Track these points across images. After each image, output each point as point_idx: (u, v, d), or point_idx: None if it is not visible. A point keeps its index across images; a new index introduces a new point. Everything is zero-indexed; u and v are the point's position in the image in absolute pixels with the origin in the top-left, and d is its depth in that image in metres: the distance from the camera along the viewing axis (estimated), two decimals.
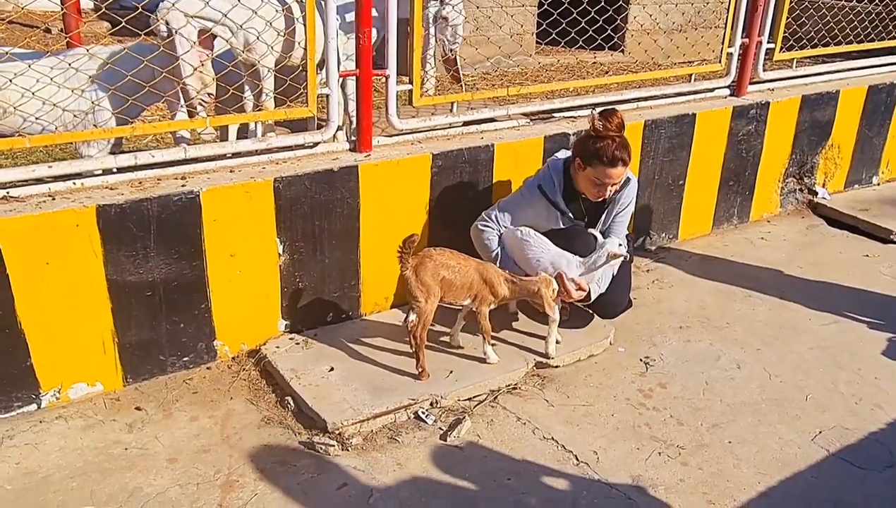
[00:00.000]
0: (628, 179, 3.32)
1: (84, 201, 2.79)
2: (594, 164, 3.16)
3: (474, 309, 3.15)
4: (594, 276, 3.31)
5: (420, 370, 3.05)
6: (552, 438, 2.86)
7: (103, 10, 2.89)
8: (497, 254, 3.38)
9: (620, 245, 3.29)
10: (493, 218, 3.39)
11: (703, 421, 3.00)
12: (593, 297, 3.34)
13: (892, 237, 4.61)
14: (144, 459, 2.67)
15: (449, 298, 3.08)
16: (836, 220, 4.89)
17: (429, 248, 3.12)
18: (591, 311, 3.59)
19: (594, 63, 7.64)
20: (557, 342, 3.31)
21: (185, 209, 2.93)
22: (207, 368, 3.17)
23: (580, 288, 3.25)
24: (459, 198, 3.59)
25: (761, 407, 3.09)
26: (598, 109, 3.23)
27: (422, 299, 2.99)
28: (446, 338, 3.31)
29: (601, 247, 3.25)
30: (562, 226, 3.36)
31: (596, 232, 3.37)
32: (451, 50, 4.67)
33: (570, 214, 3.34)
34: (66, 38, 5.73)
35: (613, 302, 3.49)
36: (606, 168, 3.14)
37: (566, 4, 3.90)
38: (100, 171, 2.97)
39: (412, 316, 3.09)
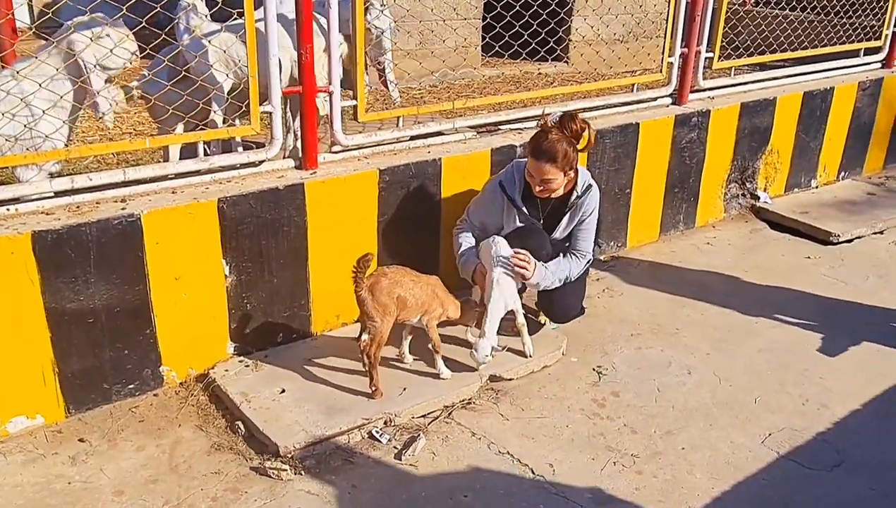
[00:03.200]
0: (589, 186, 3.37)
1: (19, 228, 2.70)
2: (528, 156, 3.26)
3: (424, 325, 3.13)
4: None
5: (373, 388, 3.01)
6: (508, 452, 2.85)
7: (34, 30, 2.80)
8: (462, 253, 3.42)
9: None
10: (463, 220, 3.51)
11: (656, 428, 3.02)
12: (532, 282, 3.30)
13: (832, 239, 4.73)
14: (89, 493, 2.58)
15: (403, 316, 3.05)
16: (778, 224, 5.00)
17: (382, 267, 3.10)
18: (542, 318, 3.60)
19: (539, 74, 7.71)
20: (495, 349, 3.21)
21: (126, 233, 2.85)
22: (154, 395, 3.08)
23: (523, 260, 3.22)
24: (408, 213, 3.57)
25: (713, 412, 3.13)
26: (565, 112, 3.29)
27: (378, 319, 2.95)
28: (396, 355, 3.28)
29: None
30: (519, 225, 3.40)
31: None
32: (380, 62, 4.65)
33: (527, 212, 3.37)
34: None
35: (566, 306, 3.53)
36: (532, 159, 3.23)
37: (508, 17, 3.93)
38: (35, 196, 2.88)
39: (365, 336, 3.05)
